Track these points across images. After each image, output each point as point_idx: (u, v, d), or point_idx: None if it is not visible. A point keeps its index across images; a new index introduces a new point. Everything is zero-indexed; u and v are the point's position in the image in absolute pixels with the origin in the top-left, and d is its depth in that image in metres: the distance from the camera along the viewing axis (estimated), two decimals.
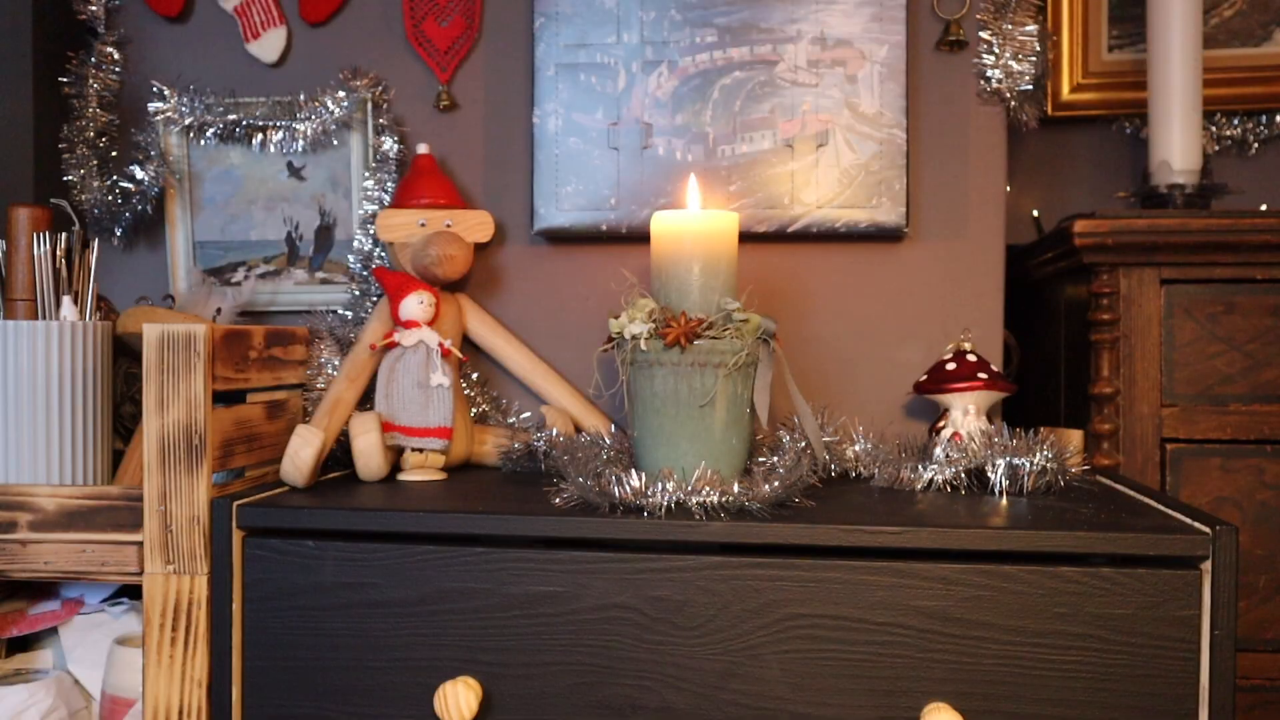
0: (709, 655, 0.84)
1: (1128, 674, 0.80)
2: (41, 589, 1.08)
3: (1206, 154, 1.41)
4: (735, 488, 0.87)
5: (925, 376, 1.09)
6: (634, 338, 0.92)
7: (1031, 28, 1.14)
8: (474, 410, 1.19)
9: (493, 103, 1.23)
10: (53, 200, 1.07)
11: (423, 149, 1.18)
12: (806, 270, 1.18)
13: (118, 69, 1.28)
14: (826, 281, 1.18)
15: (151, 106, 1.25)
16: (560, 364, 1.20)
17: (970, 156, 1.16)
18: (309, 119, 1.23)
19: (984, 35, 1.15)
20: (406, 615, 0.87)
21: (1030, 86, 1.15)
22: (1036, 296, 1.36)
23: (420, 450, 1.07)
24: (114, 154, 1.29)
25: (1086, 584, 0.80)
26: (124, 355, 1.12)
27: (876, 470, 1.02)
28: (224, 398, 0.99)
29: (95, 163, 1.26)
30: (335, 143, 1.25)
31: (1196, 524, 0.81)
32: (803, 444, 1.00)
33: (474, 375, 1.21)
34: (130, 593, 1.09)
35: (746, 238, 1.13)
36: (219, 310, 1.23)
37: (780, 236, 1.16)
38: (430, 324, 1.09)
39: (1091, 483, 1.03)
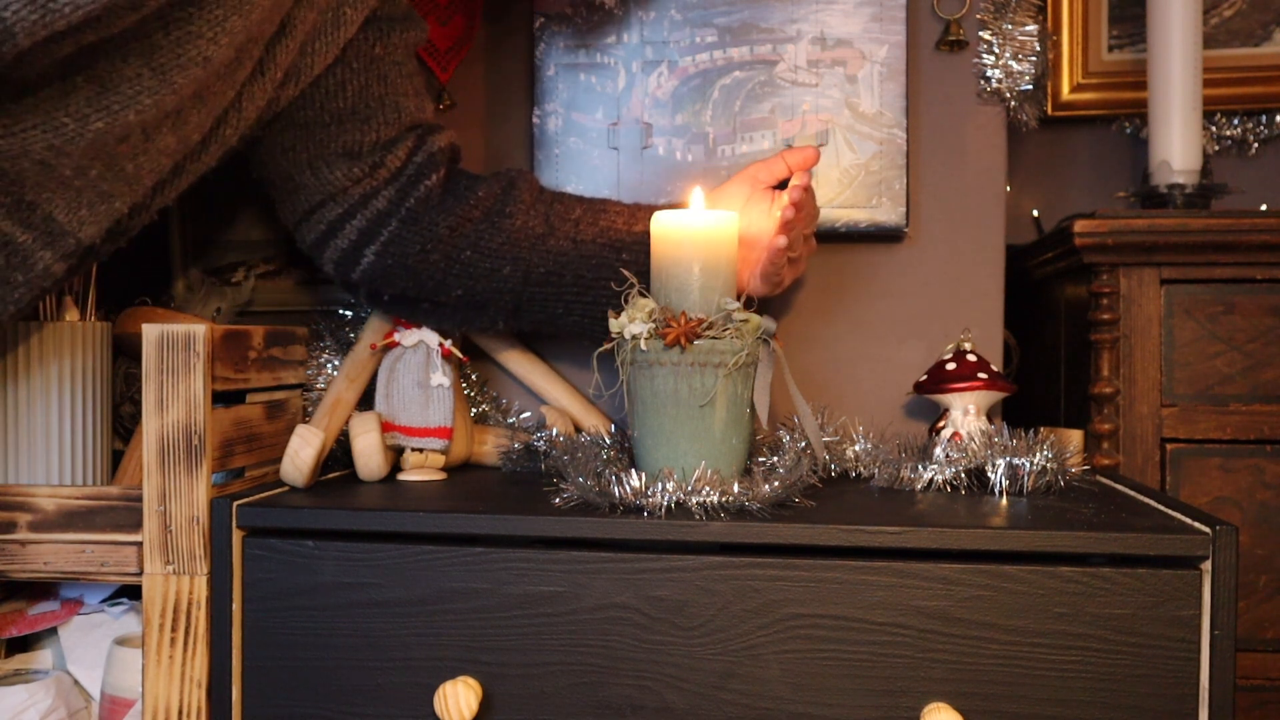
0: (709, 655, 0.84)
1: (1128, 674, 0.80)
2: (41, 589, 1.08)
3: (1206, 154, 1.41)
4: (735, 488, 0.87)
5: (925, 376, 1.09)
6: (634, 338, 0.92)
7: (1031, 28, 1.14)
8: (474, 410, 1.19)
9: (493, 103, 1.23)
10: None
11: None
12: (807, 270, 1.17)
13: None
14: (826, 281, 1.18)
15: None
16: (560, 364, 1.20)
17: (970, 156, 1.16)
18: None
19: (984, 35, 1.15)
20: (406, 615, 0.87)
21: (1030, 86, 1.15)
22: (1036, 296, 1.36)
23: (420, 450, 1.07)
24: None
25: (1086, 584, 0.80)
26: (124, 355, 1.12)
27: (876, 470, 1.02)
28: (224, 398, 0.98)
29: None
30: None
31: (1196, 524, 0.81)
32: (803, 444, 1.00)
33: (474, 375, 1.21)
34: (130, 593, 1.09)
35: None
36: (219, 310, 1.23)
37: None
38: None
39: (1091, 483, 1.03)
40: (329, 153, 1.00)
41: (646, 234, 1.01)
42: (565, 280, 1.03)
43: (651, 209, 1.05)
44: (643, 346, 0.92)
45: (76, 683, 1.04)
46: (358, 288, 1.08)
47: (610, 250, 1.03)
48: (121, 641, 1.01)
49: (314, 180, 1.01)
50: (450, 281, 1.03)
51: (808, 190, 0.99)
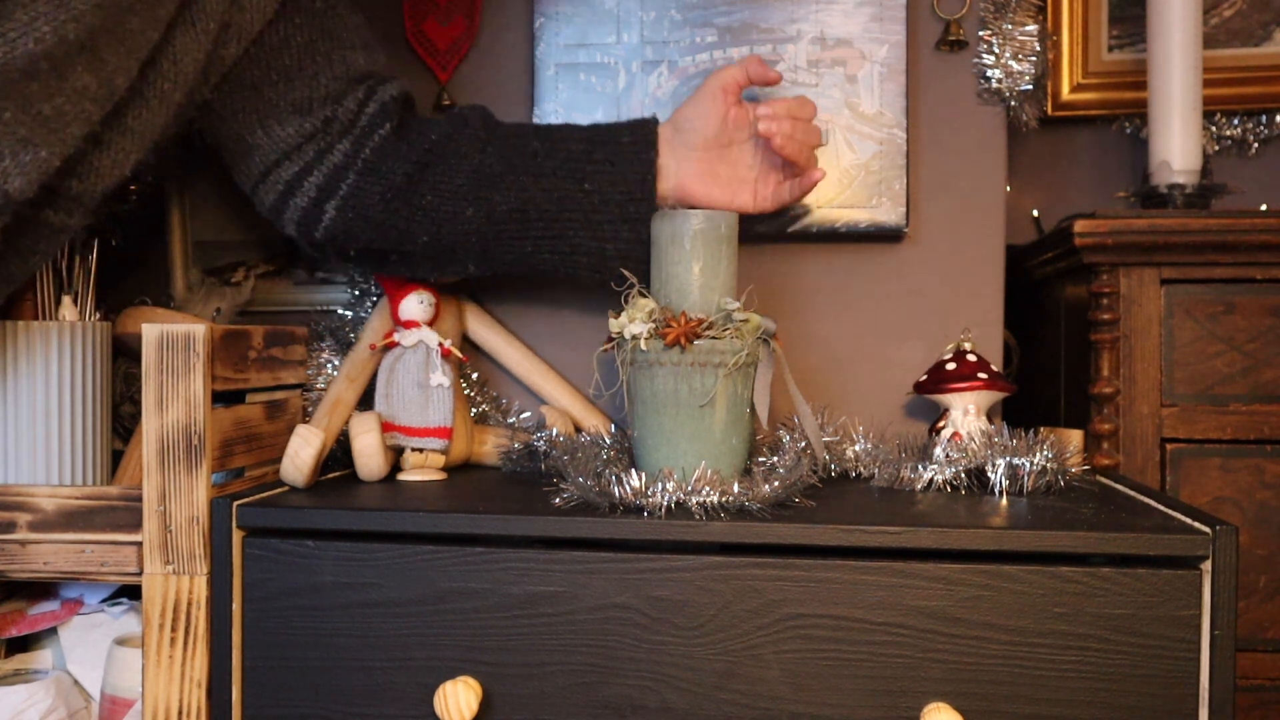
0: (709, 655, 0.84)
1: (1128, 674, 0.80)
2: (41, 589, 1.08)
3: (1206, 154, 1.41)
4: (735, 488, 0.87)
5: (925, 376, 1.09)
6: (634, 338, 0.92)
7: (1031, 28, 1.14)
8: (474, 410, 1.19)
9: (493, 103, 1.23)
10: None
11: None
12: (806, 270, 1.18)
13: None
14: (826, 281, 1.18)
15: None
16: (560, 364, 1.20)
17: (970, 156, 1.16)
18: None
19: (984, 35, 1.15)
20: (406, 615, 0.87)
21: (1030, 86, 1.15)
22: (1036, 296, 1.36)
23: (420, 450, 1.07)
24: None
25: (1086, 584, 0.80)
26: (124, 355, 1.12)
27: (876, 470, 1.02)
28: (223, 398, 0.99)
29: None
30: None
31: (1196, 524, 0.81)
32: (803, 444, 1.00)
33: (474, 375, 1.21)
34: (130, 593, 1.09)
35: (746, 238, 1.13)
36: (219, 310, 1.23)
37: (780, 236, 1.16)
38: (430, 324, 1.09)
39: (1091, 483, 1.03)
40: (279, 110, 0.99)
41: (606, 161, 1.01)
42: (530, 216, 1.02)
43: (612, 131, 1.04)
44: (643, 346, 0.92)
45: (76, 683, 1.04)
46: (324, 247, 1.07)
47: (571, 181, 1.01)
48: (121, 641, 1.01)
49: (266, 140, 1.00)
50: (414, 229, 1.02)
51: (783, 117, 0.99)
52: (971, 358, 1.07)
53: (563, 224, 1.02)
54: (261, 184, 1.03)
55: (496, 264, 1.06)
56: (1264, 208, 1.34)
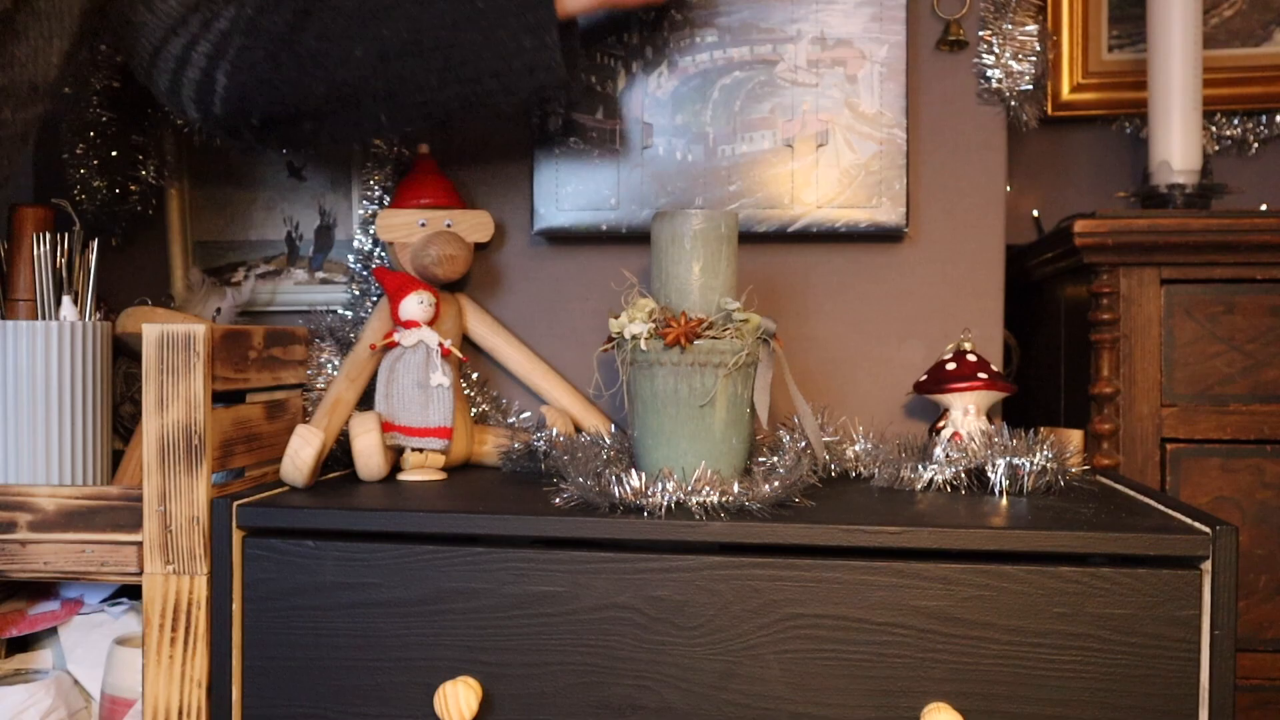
0: (709, 655, 0.84)
1: (1128, 674, 0.80)
2: (41, 589, 1.08)
3: (1206, 154, 1.41)
4: (735, 488, 0.87)
5: (925, 376, 1.09)
6: (634, 338, 0.92)
7: (1031, 28, 1.14)
8: (474, 410, 1.19)
9: None
10: (53, 200, 1.07)
11: (423, 149, 1.18)
12: (806, 270, 1.18)
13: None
14: (826, 281, 1.18)
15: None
16: (560, 364, 1.20)
17: (970, 156, 1.16)
18: None
19: (984, 35, 1.15)
20: (406, 615, 0.87)
21: (1030, 86, 1.14)
22: (1036, 296, 1.36)
23: (420, 450, 1.07)
24: (114, 154, 1.29)
25: (1086, 584, 0.80)
26: (124, 355, 1.12)
27: (876, 470, 1.02)
28: (224, 398, 0.99)
29: (95, 163, 1.26)
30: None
31: (1196, 524, 0.81)
32: (803, 444, 1.00)
33: (474, 375, 1.21)
34: (130, 593, 1.09)
35: (746, 238, 1.13)
36: (219, 310, 1.24)
37: (780, 236, 1.16)
38: (430, 324, 1.09)
39: (1091, 483, 1.03)
40: None
41: None
42: (424, 46, 0.97)
43: None
44: (643, 346, 0.92)
45: (76, 683, 1.04)
46: (236, 128, 1.03)
47: (463, 1, 0.97)
48: (121, 641, 1.01)
49: (151, 16, 0.97)
50: (306, 81, 0.98)
51: None
52: (971, 358, 1.07)
53: (462, 49, 0.97)
54: (154, 67, 1.00)
55: (409, 110, 1.01)
56: (1264, 208, 1.35)
